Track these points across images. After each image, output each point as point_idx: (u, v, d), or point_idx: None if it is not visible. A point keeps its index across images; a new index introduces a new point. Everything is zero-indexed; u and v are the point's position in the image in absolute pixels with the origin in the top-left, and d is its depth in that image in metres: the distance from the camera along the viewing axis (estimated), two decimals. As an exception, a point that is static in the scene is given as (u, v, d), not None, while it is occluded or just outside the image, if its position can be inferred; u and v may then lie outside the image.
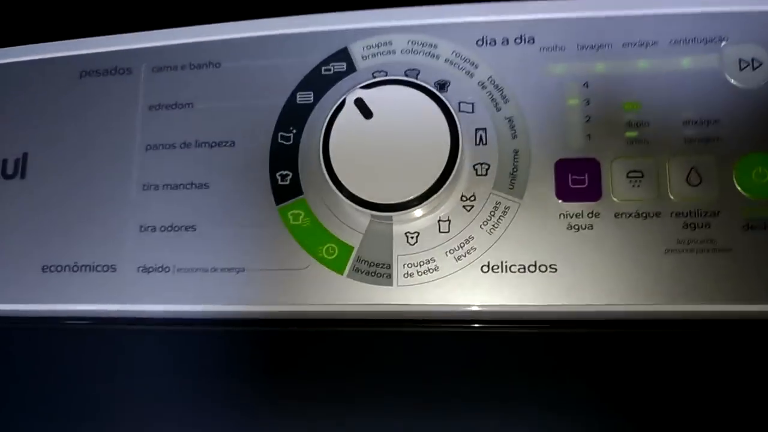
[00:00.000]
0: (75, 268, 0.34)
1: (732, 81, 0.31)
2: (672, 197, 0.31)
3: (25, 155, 0.36)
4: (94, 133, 0.36)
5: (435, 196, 0.30)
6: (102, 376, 0.34)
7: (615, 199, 0.31)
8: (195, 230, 0.33)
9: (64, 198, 0.35)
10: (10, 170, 0.36)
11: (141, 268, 0.33)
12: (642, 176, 0.31)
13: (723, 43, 0.32)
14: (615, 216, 0.31)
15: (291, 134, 0.34)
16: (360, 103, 0.31)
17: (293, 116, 0.34)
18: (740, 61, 0.31)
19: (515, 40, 0.33)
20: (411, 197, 0.30)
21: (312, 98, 0.34)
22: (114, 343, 0.34)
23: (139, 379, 0.34)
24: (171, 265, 0.33)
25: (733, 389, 0.30)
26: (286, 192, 0.33)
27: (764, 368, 0.30)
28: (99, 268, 0.34)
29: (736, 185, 0.30)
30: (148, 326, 0.33)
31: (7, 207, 0.35)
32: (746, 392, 0.30)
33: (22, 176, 0.35)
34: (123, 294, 0.33)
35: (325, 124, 0.31)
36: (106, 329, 0.34)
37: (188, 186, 0.34)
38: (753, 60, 0.31)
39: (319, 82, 0.34)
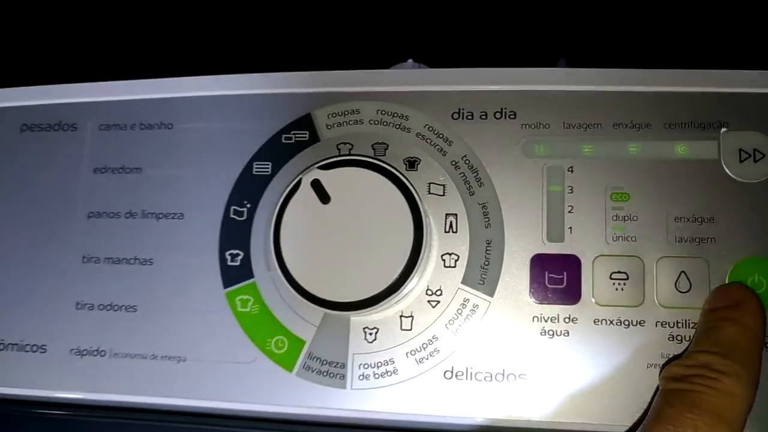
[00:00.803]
0: (1, 346, 0.31)
1: (731, 173, 0.28)
2: (658, 304, 0.28)
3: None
4: (33, 195, 0.33)
5: (396, 294, 0.27)
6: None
7: (595, 303, 0.28)
8: (135, 311, 0.30)
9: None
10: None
11: (74, 350, 0.30)
12: (627, 278, 0.28)
13: (723, 130, 0.28)
14: (594, 322, 0.28)
15: (245, 209, 0.30)
16: (317, 186, 0.28)
17: (248, 189, 0.31)
18: (740, 151, 0.28)
19: (495, 114, 0.30)
20: (369, 296, 0.27)
21: (270, 169, 0.31)
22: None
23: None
24: (107, 349, 0.30)
25: None
26: (236, 274, 0.30)
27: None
28: (28, 348, 0.31)
29: (731, 294, 0.27)
30: (78, 414, 0.30)
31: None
32: None
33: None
34: (52, 378, 0.30)
35: (278, 206, 0.28)
36: (32, 414, 0.31)
37: (131, 261, 0.31)
38: (755, 151, 0.28)
39: (278, 151, 0.31)
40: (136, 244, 0.31)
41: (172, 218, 0.31)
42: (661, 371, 0.26)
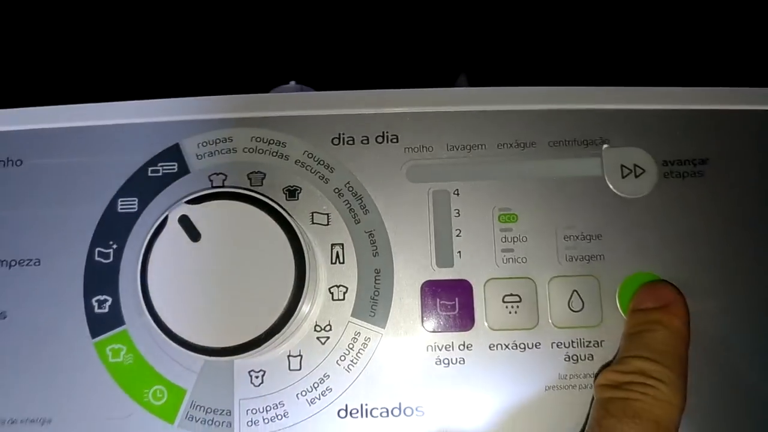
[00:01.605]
0: None
1: (614, 190, 0.28)
2: (553, 325, 0.27)
3: None
4: None
5: (280, 334, 0.25)
6: None
7: (489, 328, 0.27)
8: (-12, 373, 0.27)
9: None
10: None
11: None
12: (519, 301, 0.27)
13: (605, 146, 0.28)
14: (489, 348, 0.27)
15: (111, 250, 0.28)
16: (185, 222, 0.25)
17: (113, 228, 0.28)
18: (622, 167, 0.28)
19: (376, 138, 0.29)
20: (251, 338, 0.25)
21: (136, 206, 0.28)
22: None
23: None
24: (-45, 418, 0.26)
25: None
26: (105, 322, 0.27)
27: None
28: None
29: (620, 310, 0.27)
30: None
31: None
32: None
33: None
34: None
35: (144, 246, 0.25)
36: None
37: (-20, 315, 0.27)
38: (635, 166, 0.28)
39: (145, 185, 0.28)
40: (-14, 296, 0.28)
41: (27, 265, 0.28)
42: (595, 378, 0.26)
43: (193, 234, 0.26)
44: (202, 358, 0.27)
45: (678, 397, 0.24)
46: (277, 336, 0.25)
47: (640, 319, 0.26)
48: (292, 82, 0.34)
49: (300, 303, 0.25)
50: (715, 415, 0.26)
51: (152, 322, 0.25)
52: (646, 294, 0.26)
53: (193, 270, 0.25)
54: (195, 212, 0.26)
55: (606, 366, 0.26)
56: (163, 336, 0.25)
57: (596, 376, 0.26)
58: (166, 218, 0.26)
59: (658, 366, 0.24)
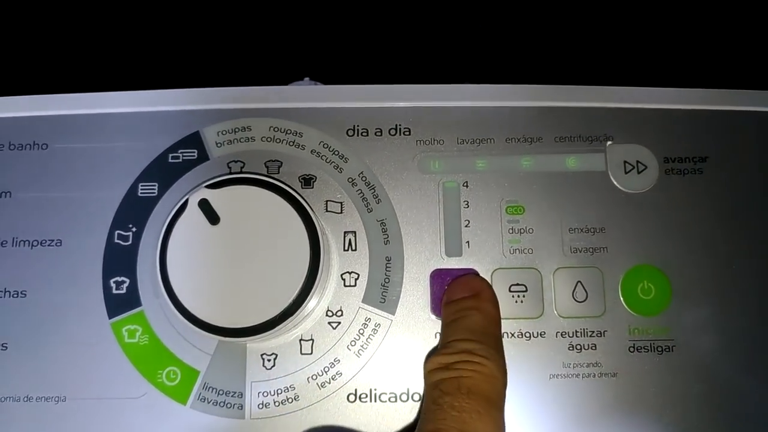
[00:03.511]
0: None
1: (617, 185, 0.29)
2: (557, 315, 0.28)
3: None
4: None
5: (293, 317, 0.26)
6: None
7: (496, 316, 0.28)
8: (5, 349, 0.28)
9: None
10: None
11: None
12: (525, 290, 0.28)
13: (608, 143, 0.29)
14: (495, 335, 0.28)
15: (130, 233, 0.29)
16: (205, 206, 0.26)
17: (133, 211, 0.29)
18: (625, 163, 0.29)
19: (389, 130, 0.30)
20: (264, 320, 0.26)
21: (156, 190, 0.29)
22: None
23: None
24: (-26, 393, 0.27)
25: None
26: (122, 303, 0.28)
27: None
28: None
29: (623, 301, 0.28)
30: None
31: None
32: None
33: None
34: None
35: (164, 228, 0.26)
36: None
37: (0, 294, 0.28)
38: (638, 163, 0.29)
39: (165, 171, 0.29)
40: (6, 276, 0.28)
41: (49, 245, 0.29)
42: (425, 364, 0.27)
43: (213, 217, 0.26)
44: (215, 340, 0.27)
45: (501, 372, 0.25)
46: (290, 318, 0.26)
47: (455, 308, 0.27)
48: (306, 78, 0.35)
49: (313, 288, 0.26)
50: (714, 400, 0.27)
51: (169, 301, 0.26)
52: (458, 286, 0.28)
53: (210, 252, 0.26)
54: (215, 196, 0.26)
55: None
56: (179, 316, 0.26)
57: (425, 364, 0.27)
58: (186, 201, 0.27)
59: (481, 345, 0.25)
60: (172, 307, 0.26)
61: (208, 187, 0.27)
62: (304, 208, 0.27)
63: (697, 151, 0.29)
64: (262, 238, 0.26)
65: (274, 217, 0.27)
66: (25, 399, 0.27)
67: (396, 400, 0.27)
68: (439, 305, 0.28)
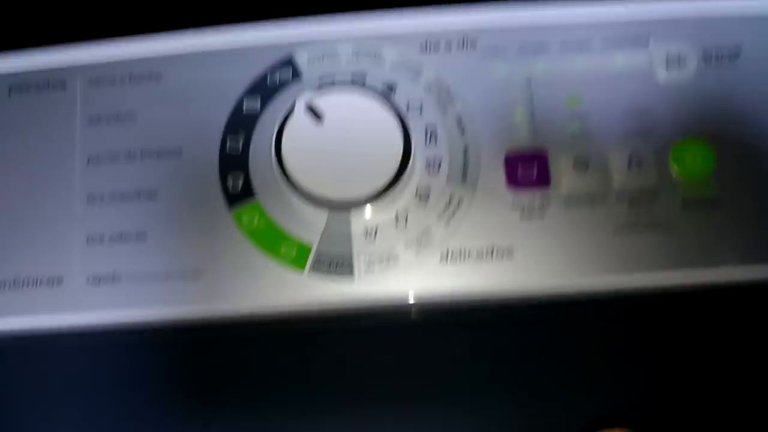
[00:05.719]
0: (17, 283, 0.32)
1: (661, 76, 0.33)
2: (616, 183, 0.32)
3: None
4: (31, 149, 0.34)
5: (392, 189, 0.30)
6: (60, 390, 0.32)
7: (563, 188, 0.32)
8: (146, 238, 0.32)
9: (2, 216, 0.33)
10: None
11: (90, 279, 0.32)
12: (587, 165, 0.32)
13: (651, 41, 0.34)
14: (564, 203, 0.32)
15: (240, 141, 0.33)
16: (310, 107, 0.31)
17: (241, 124, 0.34)
18: (668, 57, 0.34)
19: (458, 44, 0.34)
20: (369, 194, 0.30)
21: (259, 106, 0.34)
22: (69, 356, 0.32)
23: (96, 392, 0.32)
24: (122, 273, 0.32)
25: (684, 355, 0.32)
26: (239, 196, 0.33)
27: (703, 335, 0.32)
28: (43, 282, 0.32)
29: (673, 169, 0.32)
30: (101, 337, 0.32)
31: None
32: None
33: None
34: (71, 305, 0.31)
35: (277, 127, 0.31)
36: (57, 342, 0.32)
37: (136, 196, 0.33)
38: (679, 56, 0.34)
39: (265, 90, 0.34)
40: (138, 181, 0.33)
41: (171, 155, 0.34)
42: None
43: (317, 116, 0.31)
44: (325, 217, 0.32)
45: None
46: (389, 191, 0.30)
47: None
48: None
49: (406, 171, 0.31)
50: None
51: (286, 184, 0.31)
52: None
53: (317, 144, 0.31)
54: (318, 99, 0.31)
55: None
56: (296, 195, 0.31)
57: None
58: (294, 105, 0.31)
59: None
60: (289, 188, 0.31)
61: (312, 91, 0.31)
62: (394, 106, 0.31)
63: (732, 41, 0.34)
64: (361, 131, 0.31)
65: (368, 114, 0.31)
66: (166, 274, 0.32)
67: (483, 258, 0.32)
68: (514, 182, 0.32)
